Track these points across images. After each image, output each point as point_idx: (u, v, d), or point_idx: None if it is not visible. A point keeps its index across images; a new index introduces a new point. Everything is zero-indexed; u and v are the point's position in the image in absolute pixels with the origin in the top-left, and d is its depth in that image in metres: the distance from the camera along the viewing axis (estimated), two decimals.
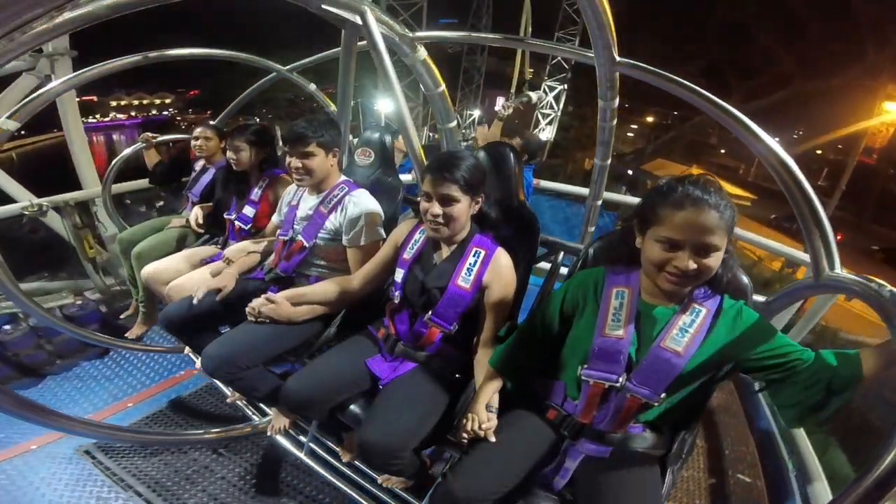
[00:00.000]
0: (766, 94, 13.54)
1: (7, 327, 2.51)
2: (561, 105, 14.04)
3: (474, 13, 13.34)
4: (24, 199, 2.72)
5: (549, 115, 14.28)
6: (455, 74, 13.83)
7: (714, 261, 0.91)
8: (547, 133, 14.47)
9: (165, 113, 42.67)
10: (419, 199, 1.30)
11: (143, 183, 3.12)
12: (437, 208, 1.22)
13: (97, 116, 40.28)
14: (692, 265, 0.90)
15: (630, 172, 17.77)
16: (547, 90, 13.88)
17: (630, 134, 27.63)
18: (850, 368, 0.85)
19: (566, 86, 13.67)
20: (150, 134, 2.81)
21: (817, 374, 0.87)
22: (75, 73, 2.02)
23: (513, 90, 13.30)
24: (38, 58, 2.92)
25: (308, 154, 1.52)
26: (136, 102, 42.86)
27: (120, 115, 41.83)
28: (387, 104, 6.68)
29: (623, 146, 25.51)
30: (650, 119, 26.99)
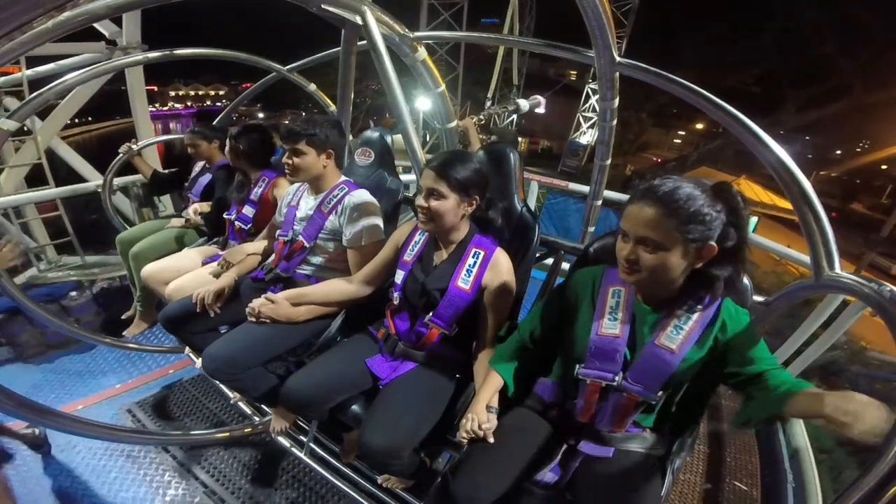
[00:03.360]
0: (824, 105, 12.99)
1: (73, 293, 2.76)
2: None
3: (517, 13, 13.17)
4: (93, 179, 3.01)
5: (591, 118, 14.07)
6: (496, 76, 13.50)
7: (655, 259, 0.89)
8: (588, 137, 14.23)
9: (219, 104, 44.04)
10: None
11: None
12: (421, 200, 1.26)
13: (157, 105, 42.13)
14: (630, 255, 0.92)
15: None
16: (590, 93, 13.68)
17: (677, 140, 26.71)
18: (774, 407, 0.85)
19: None
20: (128, 144, 2.75)
21: (763, 395, 0.88)
22: (77, 73, 2.02)
23: (489, 93, 12.91)
24: (113, 51, 3.03)
25: (297, 151, 1.53)
26: (192, 93, 44.63)
27: (177, 105, 43.57)
28: (424, 102, 6.74)
29: (668, 153, 24.79)
30: (699, 126, 25.77)
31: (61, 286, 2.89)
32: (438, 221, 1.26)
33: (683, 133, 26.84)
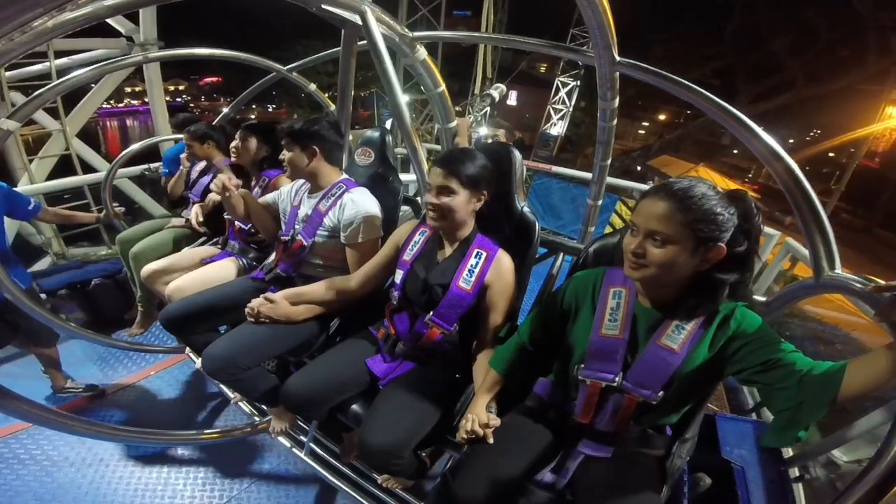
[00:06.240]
0: (772, 98, 13.74)
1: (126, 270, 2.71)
2: (573, 101, 14.01)
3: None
4: (102, 168, 3.14)
5: (560, 110, 14.29)
6: (470, 70, 13.67)
7: (663, 255, 0.89)
8: (558, 128, 14.56)
9: (179, 100, 43.02)
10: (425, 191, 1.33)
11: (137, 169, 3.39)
12: (433, 198, 1.26)
13: (111, 102, 40.29)
14: (638, 248, 0.92)
15: (639, 168, 17.99)
16: (560, 86, 13.91)
17: (641, 131, 27.76)
18: (826, 389, 0.81)
19: (578, 82, 13.69)
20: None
21: (800, 385, 0.84)
22: (72, 75, 2.01)
23: (477, 90, 13.10)
24: (132, 47, 3.13)
25: (285, 148, 1.59)
26: None
27: (134, 101, 41.88)
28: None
29: (634, 143, 25.69)
30: (662, 117, 27.00)
31: (116, 262, 2.97)
32: (451, 217, 1.27)
33: (647, 124, 27.89)
